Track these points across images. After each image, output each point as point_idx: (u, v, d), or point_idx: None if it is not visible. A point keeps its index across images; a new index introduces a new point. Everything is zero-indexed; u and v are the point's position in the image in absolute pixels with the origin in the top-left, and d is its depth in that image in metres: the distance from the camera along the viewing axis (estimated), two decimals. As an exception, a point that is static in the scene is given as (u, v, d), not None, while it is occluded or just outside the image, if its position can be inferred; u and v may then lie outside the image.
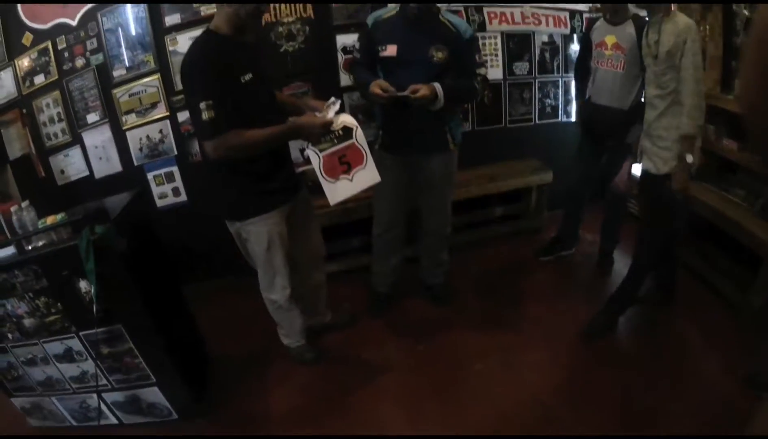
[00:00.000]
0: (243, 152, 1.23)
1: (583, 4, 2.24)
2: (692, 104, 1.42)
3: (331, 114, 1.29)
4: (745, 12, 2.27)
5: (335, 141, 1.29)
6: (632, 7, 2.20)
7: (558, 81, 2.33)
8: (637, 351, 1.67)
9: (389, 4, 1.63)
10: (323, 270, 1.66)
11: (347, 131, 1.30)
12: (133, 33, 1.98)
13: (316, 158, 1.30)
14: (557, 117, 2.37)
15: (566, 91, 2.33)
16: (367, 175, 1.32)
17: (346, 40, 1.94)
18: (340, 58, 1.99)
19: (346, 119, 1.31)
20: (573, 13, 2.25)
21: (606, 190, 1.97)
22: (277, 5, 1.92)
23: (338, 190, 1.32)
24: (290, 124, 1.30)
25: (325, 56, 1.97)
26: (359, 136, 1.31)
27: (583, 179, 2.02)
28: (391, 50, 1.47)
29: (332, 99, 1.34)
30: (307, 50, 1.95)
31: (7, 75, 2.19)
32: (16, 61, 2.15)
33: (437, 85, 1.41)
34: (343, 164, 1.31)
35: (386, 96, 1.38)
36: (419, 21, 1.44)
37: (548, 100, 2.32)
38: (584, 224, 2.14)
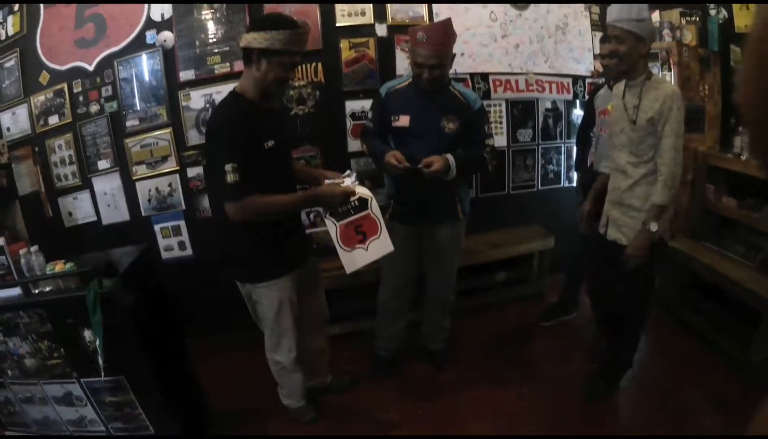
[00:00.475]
0: (264, 216, 1.25)
1: (585, 70, 2.31)
2: (670, 173, 1.39)
3: (347, 184, 1.34)
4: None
5: (352, 211, 1.32)
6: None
7: (560, 147, 2.36)
8: (639, 411, 1.66)
9: (402, 75, 1.70)
10: (326, 334, 1.67)
11: (363, 202, 1.34)
12: (148, 85, 2.03)
13: (333, 228, 1.33)
14: (560, 183, 2.40)
15: (569, 157, 2.37)
16: (381, 245, 1.35)
17: (355, 106, 2.00)
18: (349, 123, 2.04)
19: (362, 190, 1.34)
20: (576, 79, 2.30)
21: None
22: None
23: (354, 260, 1.34)
24: (312, 192, 1.34)
25: (334, 121, 2.02)
26: (374, 207, 1.34)
27: (585, 247, 2.02)
28: (403, 121, 1.50)
29: (348, 171, 1.39)
30: (316, 114, 1.99)
31: (22, 111, 2.24)
32: (31, 99, 2.20)
33: (450, 158, 1.43)
34: (359, 234, 1.34)
35: (401, 168, 1.41)
36: (431, 92, 1.48)
37: (551, 166, 2.36)
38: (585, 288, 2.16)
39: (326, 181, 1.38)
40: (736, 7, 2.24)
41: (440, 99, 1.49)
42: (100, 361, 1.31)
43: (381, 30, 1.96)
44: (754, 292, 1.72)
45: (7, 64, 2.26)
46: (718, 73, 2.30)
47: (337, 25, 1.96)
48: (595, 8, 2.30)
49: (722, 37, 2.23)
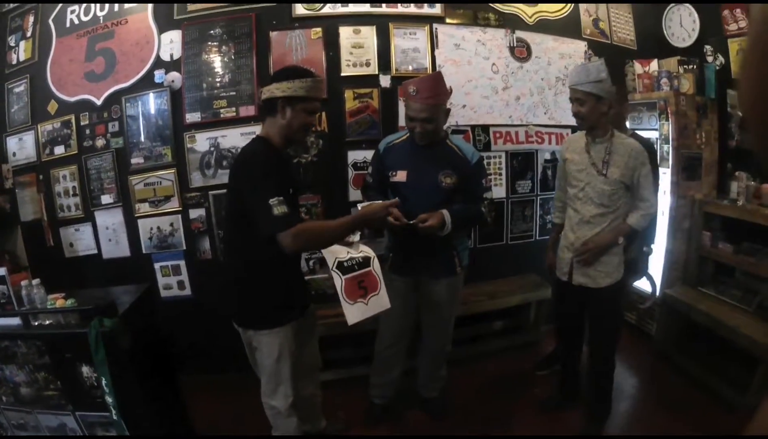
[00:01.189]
0: (318, 242, 1.29)
1: None
2: (649, 209, 1.52)
3: (354, 238, 1.40)
4: (740, 113, 2.39)
5: (356, 267, 1.38)
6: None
7: None
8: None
9: (400, 131, 1.71)
10: (317, 381, 1.67)
11: (366, 259, 1.40)
12: (154, 124, 2.06)
13: (339, 281, 1.37)
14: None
15: None
16: (379, 302, 1.40)
17: (357, 156, 2.03)
18: (351, 173, 2.06)
19: (365, 249, 1.41)
20: (575, 130, 2.30)
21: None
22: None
23: (355, 312, 1.38)
24: (358, 213, 1.35)
25: (337, 170, 2.05)
26: (376, 265, 1.40)
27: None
28: (401, 176, 1.52)
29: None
30: (319, 163, 2.02)
31: (29, 138, 2.27)
32: (38, 126, 2.23)
33: (445, 213, 1.45)
34: (361, 289, 1.38)
35: (397, 224, 1.43)
36: (428, 147, 1.50)
37: (549, 217, 2.36)
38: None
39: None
40: (732, 53, 2.29)
41: (437, 154, 1.51)
42: (109, 400, 1.33)
43: (385, 81, 2.00)
44: (749, 337, 1.74)
45: (17, 90, 2.29)
46: (715, 119, 2.33)
47: (342, 74, 2.00)
48: (595, 59, 2.35)
49: (719, 83, 2.28)
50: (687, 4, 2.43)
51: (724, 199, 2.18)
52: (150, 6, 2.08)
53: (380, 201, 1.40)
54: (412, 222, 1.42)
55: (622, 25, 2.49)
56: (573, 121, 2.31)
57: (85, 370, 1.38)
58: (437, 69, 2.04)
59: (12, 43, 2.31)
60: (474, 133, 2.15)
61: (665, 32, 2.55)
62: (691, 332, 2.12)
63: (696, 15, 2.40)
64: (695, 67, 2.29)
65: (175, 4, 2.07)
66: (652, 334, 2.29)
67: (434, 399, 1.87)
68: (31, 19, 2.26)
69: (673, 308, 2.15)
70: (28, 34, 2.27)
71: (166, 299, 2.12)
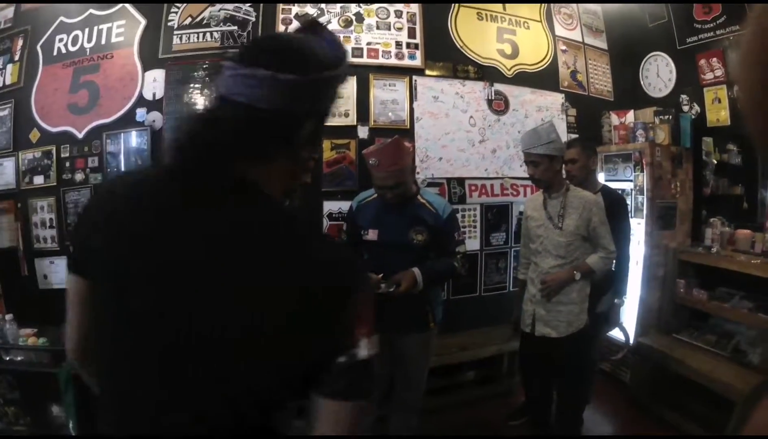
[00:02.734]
0: None
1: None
2: (611, 251, 1.58)
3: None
4: (714, 160, 2.45)
5: None
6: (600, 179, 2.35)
7: None
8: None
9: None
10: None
11: None
12: (134, 162, 2.07)
13: None
14: None
15: None
16: None
17: (333, 206, 2.05)
18: (326, 223, 2.08)
19: None
20: None
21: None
22: None
23: None
24: None
25: (312, 220, 2.05)
26: None
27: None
28: (372, 234, 1.54)
29: None
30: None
31: (9, 164, 2.26)
32: (20, 153, 2.23)
33: (417, 272, 1.45)
34: None
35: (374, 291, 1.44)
36: (399, 205, 1.51)
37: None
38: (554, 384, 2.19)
39: None
40: (708, 101, 2.36)
41: (408, 211, 1.52)
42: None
43: (363, 132, 2.03)
44: (724, 382, 1.77)
45: (1, 113, 2.29)
46: (689, 168, 2.39)
47: (321, 124, 2.03)
48: (572, 110, 2.41)
49: (694, 132, 2.34)
50: (664, 55, 2.51)
51: (699, 247, 2.23)
52: (136, 43, 2.11)
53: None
54: (390, 290, 1.43)
55: (599, 76, 2.56)
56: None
57: (55, 409, 1.39)
58: (416, 121, 2.09)
59: (0, 65, 2.32)
60: (449, 185, 2.18)
61: (642, 82, 2.62)
62: (666, 379, 2.14)
63: (673, 65, 2.48)
64: (671, 117, 2.36)
65: (161, 43, 2.10)
66: (627, 381, 2.30)
67: None
68: (20, 42, 2.28)
69: (647, 355, 2.16)
70: (16, 57, 2.28)
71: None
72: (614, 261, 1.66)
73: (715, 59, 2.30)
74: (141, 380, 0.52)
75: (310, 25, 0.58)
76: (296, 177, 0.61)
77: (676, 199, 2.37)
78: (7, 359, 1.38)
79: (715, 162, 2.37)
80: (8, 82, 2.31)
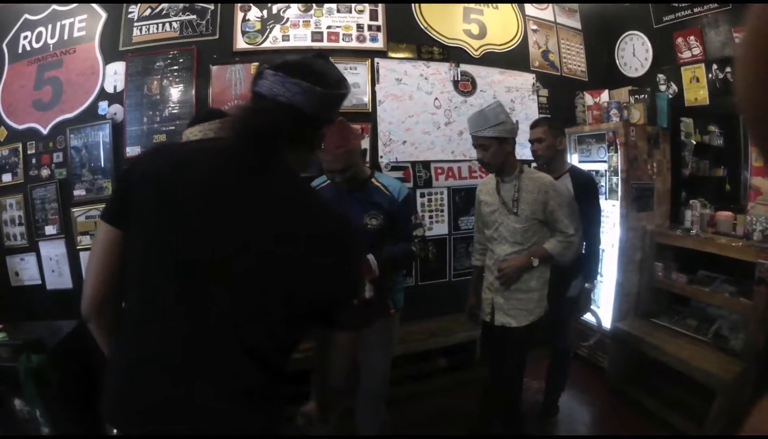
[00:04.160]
0: None
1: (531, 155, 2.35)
2: (571, 235, 1.50)
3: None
4: (693, 141, 2.39)
5: None
6: (574, 160, 2.29)
7: None
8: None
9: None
10: None
11: None
12: (96, 156, 2.05)
13: None
14: None
15: None
16: None
17: None
18: None
19: None
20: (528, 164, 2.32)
21: (552, 341, 1.95)
22: None
23: None
24: None
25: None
26: None
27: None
28: None
29: None
30: None
31: (-22, 163, 2.26)
32: (-11, 152, 2.22)
33: (371, 259, 1.41)
34: None
35: None
36: (351, 190, 1.47)
37: None
38: (531, 372, 2.15)
39: None
40: (686, 80, 2.30)
41: (361, 196, 1.47)
42: (45, 430, 1.32)
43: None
44: (703, 369, 1.72)
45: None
46: (667, 148, 2.33)
47: (281, 110, 2.01)
48: (543, 91, 2.35)
49: (672, 112, 2.27)
50: (640, 33, 2.44)
51: (678, 229, 2.17)
52: (98, 36, 2.09)
53: None
54: None
55: (573, 57, 2.50)
56: (519, 155, 2.28)
57: (18, 403, 1.39)
58: (378, 105, 2.05)
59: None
60: (414, 169, 2.14)
61: (618, 62, 2.56)
62: (644, 365, 2.09)
63: (649, 44, 2.42)
64: (646, 96, 2.30)
65: (121, 35, 2.08)
66: (604, 367, 2.27)
67: None
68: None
69: (624, 341, 2.12)
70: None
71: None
72: (580, 244, 1.59)
73: (692, 37, 2.24)
74: (188, 315, 0.66)
75: (320, 55, 0.80)
76: (309, 164, 0.82)
77: (653, 181, 2.31)
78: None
79: (694, 143, 2.31)
80: (-24, 82, 2.29)
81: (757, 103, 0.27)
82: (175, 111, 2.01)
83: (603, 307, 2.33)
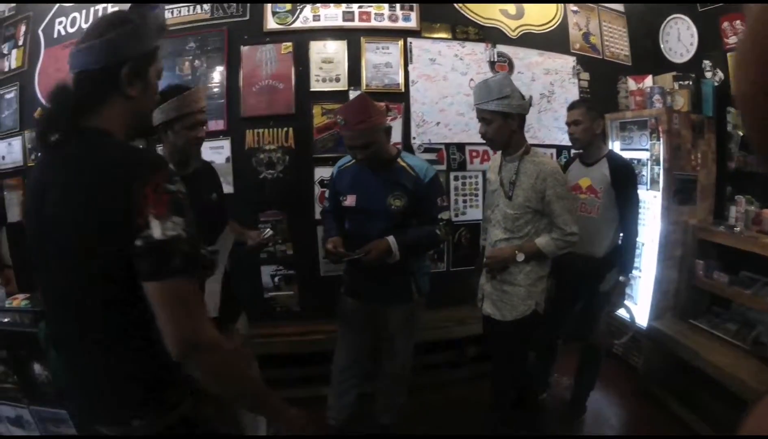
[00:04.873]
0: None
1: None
2: (570, 232, 1.38)
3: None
4: (739, 133, 2.23)
5: None
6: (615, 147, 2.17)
7: None
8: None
9: None
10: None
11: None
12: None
13: None
14: None
15: None
16: None
17: (324, 173, 1.97)
18: (317, 190, 2.01)
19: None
20: (560, 150, 2.22)
21: (581, 337, 1.86)
22: (261, 132, 1.99)
23: None
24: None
25: (303, 187, 2.00)
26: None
27: (554, 329, 1.90)
28: (350, 200, 1.46)
29: (268, 230, 1.44)
30: (285, 179, 1.98)
31: (17, 143, 2.33)
32: (26, 133, 2.28)
33: (391, 241, 1.37)
34: None
35: (334, 253, 1.38)
36: (376, 169, 1.43)
37: None
38: (561, 368, 2.04)
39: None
40: (732, 67, 2.14)
41: (386, 175, 1.43)
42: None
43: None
44: (738, 378, 1.59)
45: (8, 96, 2.36)
46: (712, 139, 2.17)
47: (311, 90, 1.96)
48: (584, 75, 2.24)
49: (717, 101, 2.12)
50: (685, 17, 2.29)
51: (721, 226, 2.03)
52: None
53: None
54: (354, 255, 1.36)
55: (615, 40, 2.37)
56: (558, 140, 2.22)
57: (37, 367, 1.44)
58: (410, 84, 1.99)
59: (5, 51, 2.38)
60: (448, 151, 2.06)
61: (662, 46, 2.41)
62: (678, 369, 1.97)
63: (694, 28, 2.26)
64: (691, 83, 2.15)
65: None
66: (638, 368, 2.16)
67: (391, 426, 1.78)
68: (23, 28, 2.33)
69: (660, 341, 1.99)
70: (20, 42, 2.33)
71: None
72: (572, 241, 1.43)
73: (738, 22, 2.07)
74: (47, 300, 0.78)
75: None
76: (140, 118, 0.79)
77: (697, 172, 2.16)
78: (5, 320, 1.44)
79: (741, 135, 2.15)
80: (13, 66, 2.37)
81: (756, 104, 0.27)
82: (206, 91, 2.00)
83: (639, 303, 2.22)
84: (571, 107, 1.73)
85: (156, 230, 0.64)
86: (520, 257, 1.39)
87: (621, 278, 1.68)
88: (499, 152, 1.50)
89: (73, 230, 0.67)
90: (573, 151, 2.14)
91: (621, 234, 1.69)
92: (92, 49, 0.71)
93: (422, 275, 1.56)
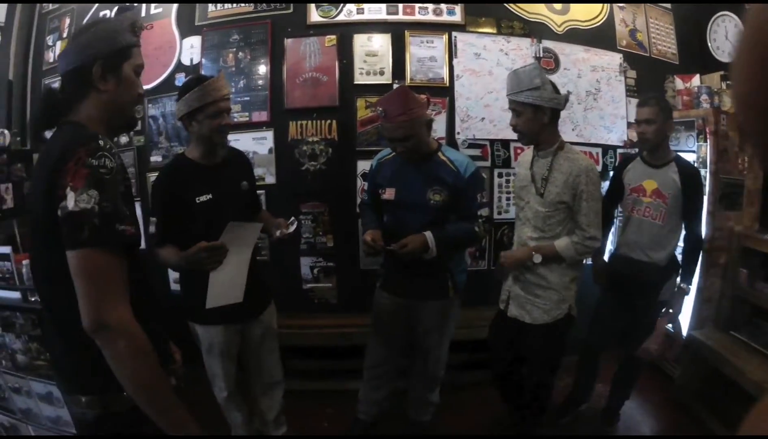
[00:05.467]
0: (167, 266, 1.41)
1: (617, 140, 2.17)
2: (592, 236, 1.32)
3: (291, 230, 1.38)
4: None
5: None
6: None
7: None
8: None
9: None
10: (275, 395, 1.60)
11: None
12: (172, 125, 2.11)
13: None
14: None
15: None
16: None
17: (367, 165, 1.90)
18: (359, 182, 2.00)
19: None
20: (606, 149, 2.16)
21: (628, 348, 1.75)
22: (304, 124, 2.00)
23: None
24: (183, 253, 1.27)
25: (345, 179, 2.00)
26: None
27: (603, 339, 1.77)
28: (389, 193, 1.44)
29: (292, 218, 1.43)
30: (327, 171, 1.99)
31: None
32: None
33: (429, 236, 1.35)
34: None
35: (373, 245, 1.36)
36: (417, 162, 1.41)
37: None
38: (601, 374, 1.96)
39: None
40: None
41: (426, 169, 1.41)
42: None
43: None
44: None
45: (55, 85, 2.43)
46: None
47: (355, 82, 1.96)
48: (631, 72, 2.18)
49: None
50: (732, 15, 2.20)
51: (767, 234, 1.95)
52: (174, 12, 2.13)
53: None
54: (389, 247, 1.34)
55: (662, 37, 2.29)
56: (604, 140, 2.16)
57: None
58: (455, 79, 1.96)
59: (50, 43, 2.45)
60: (492, 148, 2.03)
61: (709, 45, 2.33)
62: (717, 382, 1.87)
63: (742, 26, 2.17)
64: (741, 82, 2.06)
65: (197, 10, 2.11)
66: (675, 378, 2.09)
67: (424, 423, 1.76)
68: (68, 20, 2.39)
69: (698, 352, 1.90)
70: (65, 34, 2.39)
71: (175, 293, 2.16)
72: (593, 246, 1.37)
73: None
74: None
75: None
76: (117, 111, 0.84)
77: (744, 177, 2.08)
78: (33, 299, 1.47)
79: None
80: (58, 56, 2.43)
81: (756, 105, 0.27)
82: (250, 83, 2.02)
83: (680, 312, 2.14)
84: (643, 104, 1.58)
85: (70, 201, 0.68)
86: (537, 259, 1.34)
87: (682, 285, 1.58)
88: (531, 147, 1.45)
89: (35, 209, 0.76)
90: (629, 150, 2.08)
91: (686, 240, 1.59)
92: (68, 53, 0.81)
93: (459, 272, 1.54)
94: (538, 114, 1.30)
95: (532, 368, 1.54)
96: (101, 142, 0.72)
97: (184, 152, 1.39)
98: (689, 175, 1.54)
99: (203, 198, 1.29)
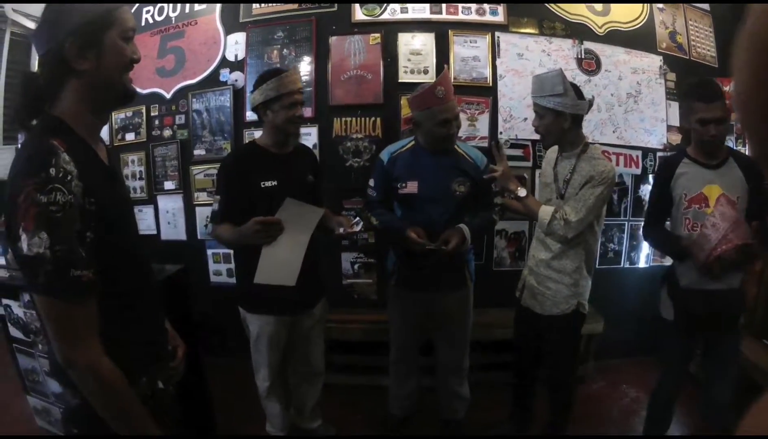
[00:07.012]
0: (221, 242, 1.46)
1: (657, 143, 2.16)
2: (569, 221, 1.30)
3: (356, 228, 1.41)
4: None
5: None
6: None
7: (624, 225, 2.19)
8: None
9: (404, 139, 1.61)
10: (315, 385, 1.65)
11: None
12: (216, 119, 2.17)
13: None
14: (620, 263, 2.21)
15: (632, 237, 2.21)
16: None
17: None
18: None
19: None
20: (645, 152, 2.15)
21: (706, 399, 1.51)
22: (348, 121, 2.04)
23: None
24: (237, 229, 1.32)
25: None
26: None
27: (676, 385, 1.53)
28: (411, 187, 1.43)
29: (357, 218, 1.47)
30: (371, 168, 1.95)
31: (105, 126, 2.48)
32: (113, 114, 2.42)
33: (465, 229, 1.39)
34: None
35: (419, 242, 1.37)
36: (437, 155, 1.43)
37: (612, 245, 2.18)
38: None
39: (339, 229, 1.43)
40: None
41: (447, 161, 1.43)
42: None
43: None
44: None
45: (36, 70, 2.51)
46: None
47: (399, 81, 1.99)
48: (671, 75, 2.17)
49: None
50: None
51: None
52: (218, 9, 2.20)
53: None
54: (429, 247, 1.36)
55: (702, 40, 2.28)
56: (644, 143, 2.15)
57: None
58: (498, 79, 1.99)
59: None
60: (534, 148, 2.04)
61: (751, 48, 2.31)
62: (750, 394, 1.85)
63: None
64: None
65: (241, 7, 2.17)
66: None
67: (454, 421, 1.75)
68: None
69: (732, 359, 1.90)
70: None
71: (215, 285, 2.24)
72: (566, 233, 1.33)
73: None
74: None
75: None
76: (105, 88, 0.74)
77: None
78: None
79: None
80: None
81: (756, 104, 0.27)
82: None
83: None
84: (712, 98, 1.28)
85: (24, 244, 0.63)
86: (522, 192, 1.40)
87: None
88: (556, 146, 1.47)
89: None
90: (666, 153, 2.02)
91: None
92: (36, 37, 0.71)
93: (470, 260, 1.58)
94: (559, 119, 1.32)
95: (549, 360, 1.55)
96: (52, 171, 0.63)
97: (255, 140, 1.45)
98: (749, 168, 1.30)
99: (268, 183, 1.34)
